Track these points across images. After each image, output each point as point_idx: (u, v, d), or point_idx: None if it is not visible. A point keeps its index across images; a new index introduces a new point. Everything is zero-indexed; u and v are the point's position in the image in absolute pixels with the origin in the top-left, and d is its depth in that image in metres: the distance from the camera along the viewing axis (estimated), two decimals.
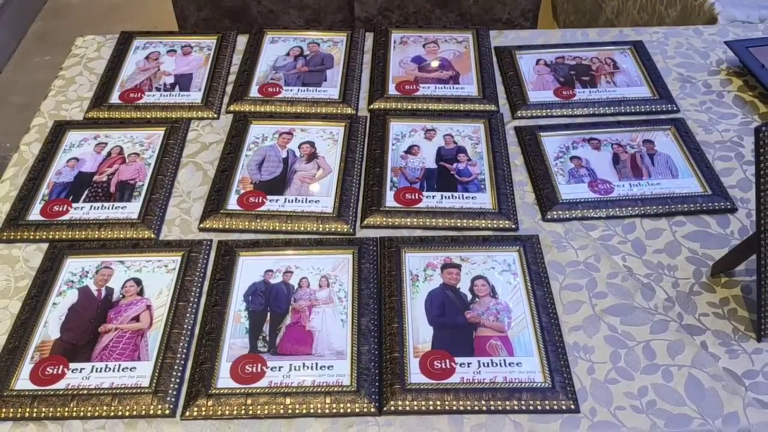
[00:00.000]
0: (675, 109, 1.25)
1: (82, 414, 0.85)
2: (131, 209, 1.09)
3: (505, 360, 0.90)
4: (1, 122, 2.44)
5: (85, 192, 1.12)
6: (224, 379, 0.88)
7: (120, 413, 0.85)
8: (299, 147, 1.19)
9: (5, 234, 1.05)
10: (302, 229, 1.06)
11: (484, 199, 1.10)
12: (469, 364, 0.90)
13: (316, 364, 0.90)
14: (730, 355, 0.91)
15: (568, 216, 1.07)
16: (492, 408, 0.85)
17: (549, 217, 1.08)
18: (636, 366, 0.90)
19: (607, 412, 0.85)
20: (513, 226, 1.06)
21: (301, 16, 1.73)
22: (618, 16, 2.07)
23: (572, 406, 0.85)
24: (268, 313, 0.95)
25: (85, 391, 0.86)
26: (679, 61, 1.36)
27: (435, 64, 1.33)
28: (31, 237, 1.05)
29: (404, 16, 1.71)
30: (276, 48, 1.40)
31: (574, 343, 0.93)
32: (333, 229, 1.06)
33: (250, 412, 0.85)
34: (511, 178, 1.13)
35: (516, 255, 1.02)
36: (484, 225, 1.06)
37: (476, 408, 0.85)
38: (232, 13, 1.75)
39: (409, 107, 1.26)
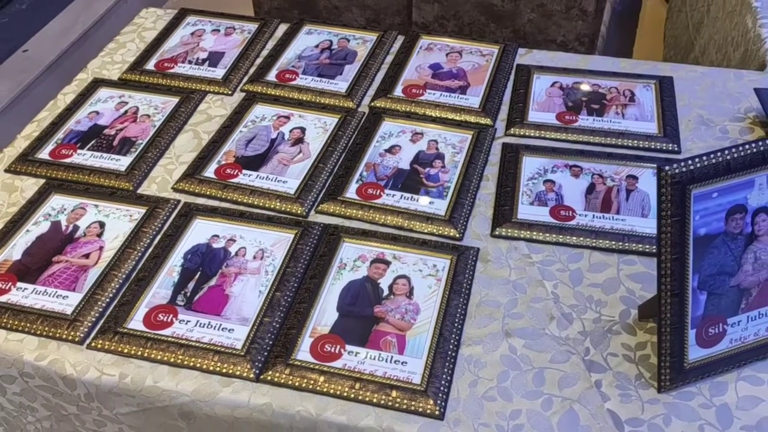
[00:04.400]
0: (676, 149, 1.20)
1: (8, 326, 0.96)
2: (123, 162, 1.20)
3: (392, 357, 0.92)
4: None
5: (93, 141, 1.24)
6: (136, 322, 0.96)
7: (38, 332, 0.95)
8: (290, 131, 1.26)
9: (14, 166, 1.20)
10: (261, 204, 1.13)
11: (441, 206, 1.11)
12: (357, 353, 0.92)
13: (220, 325, 0.96)
14: (621, 399, 0.87)
15: (515, 235, 1.07)
16: (359, 398, 0.88)
17: (497, 233, 1.07)
18: (520, 389, 0.89)
19: (470, 426, 0.85)
20: (457, 236, 1.07)
21: (362, 15, 1.80)
22: (703, 54, 1.98)
23: (437, 413, 0.86)
24: (199, 273, 1.03)
25: (19, 307, 0.98)
26: (705, 103, 1.30)
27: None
28: (34, 172, 1.19)
29: (459, 26, 1.73)
30: (309, 39, 1.47)
31: (469, 355, 0.93)
32: (287, 209, 1.12)
33: (145, 355, 0.93)
34: (477, 191, 1.14)
35: (447, 262, 1.03)
36: (428, 230, 1.08)
37: (344, 394, 0.88)
38: (300, 5, 1.84)
39: (407, 109, 1.29)
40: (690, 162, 0.79)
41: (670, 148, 1.20)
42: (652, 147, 1.20)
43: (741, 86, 1.33)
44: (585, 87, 1.33)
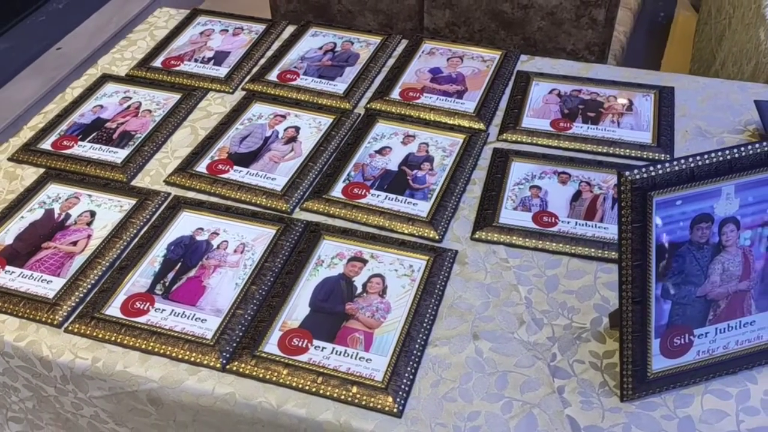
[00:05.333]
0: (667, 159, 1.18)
1: None
2: (120, 155, 1.23)
3: (358, 353, 0.93)
4: None
5: (94, 134, 1.28)
6: (113, 308, 0.99)
7: (19, 313, 0.98)
8: (284, 130, 1.27)
9: (17, 155, 1.24)
10: (248, 200, 1.14)
11: (424, 208, 1.12)
12: (324, 348, 0.93)
13: (194, 315, 0.98)
14: (582, 406, 0.87)
15: (495, 239, 1.07)
16: (320, 392, 0.89)
17: (476, 236, 1.08)
18: (481, 391, 0.89)
19: (427, 425, 0.85)
20: (437, 238, 1.07)
21: (375, 19, 1.81)
22: (723, 67, 1.94)
23: (395, 410, 0.86)
24: (180, 264, 1.05)
25: (4, 290, 1.01)
26: (705, 114, 1.28)
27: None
28: (35, 162, 1.23)
29: (470, 32, 1.73)
30: (314, 41, 1.49)
31: (435, 355, 0.93)
32: (273, 206, 1.13)
33: (118, 341, 0.95)
34: (462, 194, 1.14)
35: (423, 263, 1.03)
36: (408, 231, 1.08)
37: (306, 388, 0.89)
38: (315, 9, 1.87)
39: (402, 112, 1.30)
40: (651, 168, 0.78)
41: (661, 158, 1.18)
42: (644, 156, 1.19)
43: (744, 98, 1.31)
44: (583, 95, 1.32)
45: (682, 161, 0.78)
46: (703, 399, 0.87)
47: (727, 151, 0.79)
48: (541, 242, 1.06)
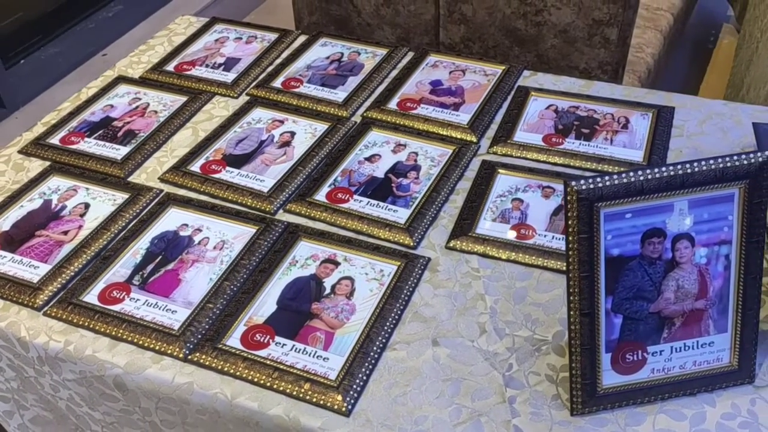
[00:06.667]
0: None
1: None
2: (121, 152, 1.28)
3: (316, 352, 0.94)
4: None
5: (100, 131, 1.33)
6: (91, 296, 1.03)
7: (4, 296, 1.03)
8: (280, 134, 1.31)
9: (26, 148, 1.31)
10: (234, 199, 1.18)
11: (403, 215, 1.13)
12: (284, 345, 0.95)
13: (166, 306, 1.01)
14: (531, 417, 0.86)
15: (468, 249, 1.07)
16: (273, 386, 0.90)
17: (451, 245, 1.08)
18: (432, 396, 0.89)
19: (373, 426, 0.86)
20: (412, 244, 1.08)
21: (393, 33, 1.84)
22: (749, 92, 1.91)
23: (343, 409, 0.87)
24: (160, 257, 1.09)
25: None
26: (702, 136, 1.26)
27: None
28: (42, 155, 1.29)
29: (484, 48, 1.74)
30: (323, 50, 1.53)
31: (393, 358, 0.94)
32: (257, 206, 1.16)
33: (91, 326, 0.99)
34: (444, 203, 1.15)
35: (394, 268, 1.04)
36: (385, 236, 1.10)
37: (260, 382, 0.91)
38: (337, 21, 1.91)
39: (397, 122, 1.32)
40: (599, 179, 0.78)
41: None
42: None
43: (747, 121, 1.28)
44: (580, 111, 1.32)
45: (631, 174, 0.78)
46: (656, 418, 0.85)
47: (679, 166, 0.78)
48: (514, 254, 1.06)
